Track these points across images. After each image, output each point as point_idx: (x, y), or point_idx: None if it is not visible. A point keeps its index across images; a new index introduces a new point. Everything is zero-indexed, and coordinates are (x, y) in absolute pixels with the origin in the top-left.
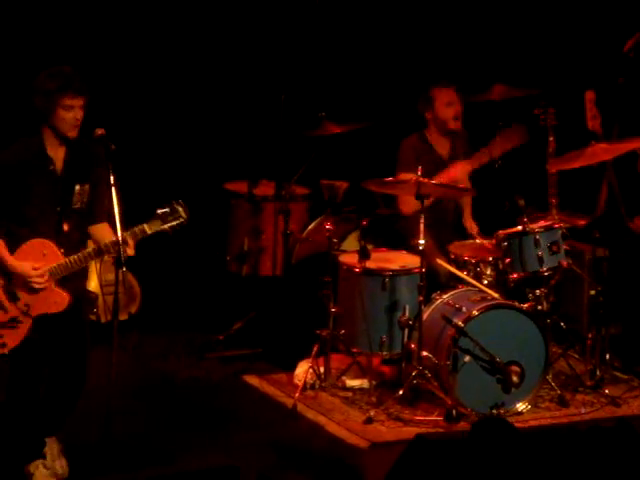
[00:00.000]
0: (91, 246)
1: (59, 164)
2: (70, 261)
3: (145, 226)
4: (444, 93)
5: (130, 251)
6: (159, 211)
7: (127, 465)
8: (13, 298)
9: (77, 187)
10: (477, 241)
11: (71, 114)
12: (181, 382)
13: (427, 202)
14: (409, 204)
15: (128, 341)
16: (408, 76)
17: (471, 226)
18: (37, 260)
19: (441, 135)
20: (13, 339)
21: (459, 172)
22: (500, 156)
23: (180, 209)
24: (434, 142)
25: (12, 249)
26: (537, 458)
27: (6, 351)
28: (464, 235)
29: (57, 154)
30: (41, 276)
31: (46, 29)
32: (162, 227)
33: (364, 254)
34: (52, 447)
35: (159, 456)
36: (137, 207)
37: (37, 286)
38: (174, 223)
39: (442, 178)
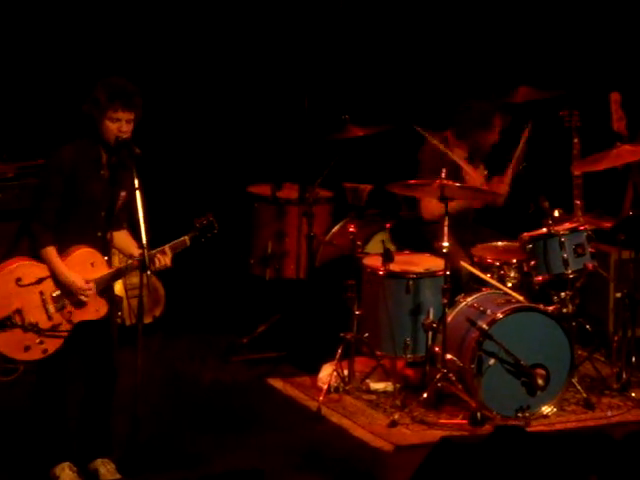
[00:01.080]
0: (117, 259)
1: (106, 170)
2: (113, 272)
3: (186, 238)
4: (500, 121)
5: (168, 262)
6: (197, 223)
7: (152, 467)
8: (61, 307)
9: (122, 193)
10: (500, 243)
11: (116, 125)
12: (205, 385)
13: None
14: (430, 210)
15: (152, 344)
16: (432, 79)
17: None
18: (86, 270)
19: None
20: (54, 344)
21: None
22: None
23: (214, 221)
24: (453, 145)
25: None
26: (561, 463)
27: (46, 356)
28: (484, 236)
29: (104, 160)
30: (90, 289)
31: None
32: (199, 238)
33: (388, 257)
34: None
35: (184, 459)
36: (161, 211)
37: (85, 299)
38: (209, 235)
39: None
